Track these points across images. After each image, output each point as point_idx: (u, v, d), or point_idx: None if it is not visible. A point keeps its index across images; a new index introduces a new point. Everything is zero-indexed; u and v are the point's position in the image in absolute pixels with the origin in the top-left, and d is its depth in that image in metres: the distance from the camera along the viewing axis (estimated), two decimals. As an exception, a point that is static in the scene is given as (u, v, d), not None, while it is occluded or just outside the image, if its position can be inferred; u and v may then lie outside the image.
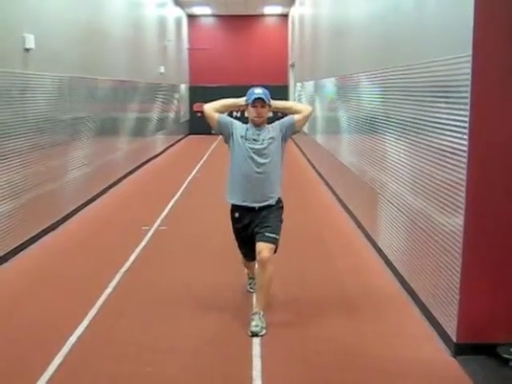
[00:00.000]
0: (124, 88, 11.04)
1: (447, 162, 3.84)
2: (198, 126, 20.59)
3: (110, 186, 9.72)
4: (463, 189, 3.57)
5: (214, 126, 4.33)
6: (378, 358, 3.72)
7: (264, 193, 4.22)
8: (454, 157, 3.71)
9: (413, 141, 4.65)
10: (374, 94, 6.19)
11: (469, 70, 3.47)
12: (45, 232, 6.64)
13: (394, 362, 3.69)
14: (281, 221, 4.28)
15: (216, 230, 6.54)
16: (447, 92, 3.85)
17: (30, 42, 6.27)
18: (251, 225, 4.23)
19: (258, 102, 4.19)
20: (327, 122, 10.31)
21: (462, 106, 3.59)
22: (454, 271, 3.71)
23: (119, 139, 10.83)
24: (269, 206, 4.22)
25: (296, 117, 4.32)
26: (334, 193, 9.04)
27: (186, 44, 20.49)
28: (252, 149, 4.20)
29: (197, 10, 19.90)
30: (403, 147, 4.96)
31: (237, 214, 4.31)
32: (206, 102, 4.41)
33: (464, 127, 3.55)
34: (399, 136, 5.10)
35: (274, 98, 4.33)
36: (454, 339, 3.71)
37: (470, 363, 3.60)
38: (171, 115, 17.17)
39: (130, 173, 11.38)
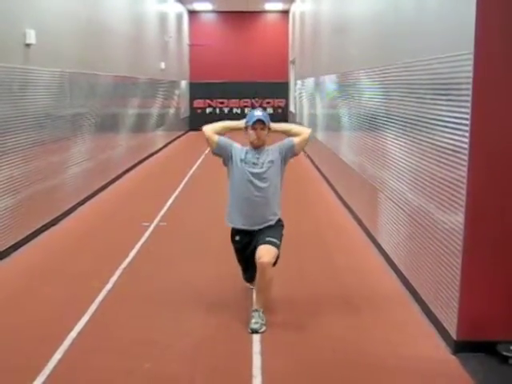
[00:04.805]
0: (124, 84, 11.03)
1: (448, 160, 3.84)
2: (198, 122, 20.52)
3: (110, 182, 9.72)
4: (464, 186, 3.57)
5: (213, 148, 4.34)
6: (378, 356, 3.72)
7: (264, 216, 4.22)
8: (455, 154, 3.71)
9: (414, 138, 4.65)
10: (375, 92, 6.18)
11: (470, 68, 3.46)
12: (45, 227, 6.64)
13: (394, 359, 3.69)
14: (281, 234, 4.27)
15: (216, 225, 6.52)
16: (448, 89, 3.85)
17: (31, 38, 6.26)
18: (251, 243, 4.22)
19: (258, 124, 4.20)
20: (328, 119, 10.30)
21: (463, 104, 3.59)
22: (455, 269, 3.71)
23: (119, 135, 10.82)
24: (268, 226, 4.23)
25: (295, 139, 4.32)
26: (334, 190, 9.04)
27: (186, 40, 20.47)
28: (251, 173, 4.20)
29: (198, 6, 19.87)
30: (404, 145, 4.96)
31: (237, 237, 4.32)
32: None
33: (465, 125, 3.55)
34: (400, 133, 5.09)
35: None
36: (454, 337, 3.72)
37: (470, 361, 3.61)
38: (171, 111, 17.15)
39: (130, 169, 11.37)
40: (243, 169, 4.22)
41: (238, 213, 4.27)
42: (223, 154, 4.32)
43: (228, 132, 4.45)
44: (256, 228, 4.21)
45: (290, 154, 4.32)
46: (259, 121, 4.20)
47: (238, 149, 4.30)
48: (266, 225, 4.21)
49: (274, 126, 4.37)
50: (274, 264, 4.13)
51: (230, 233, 4.37)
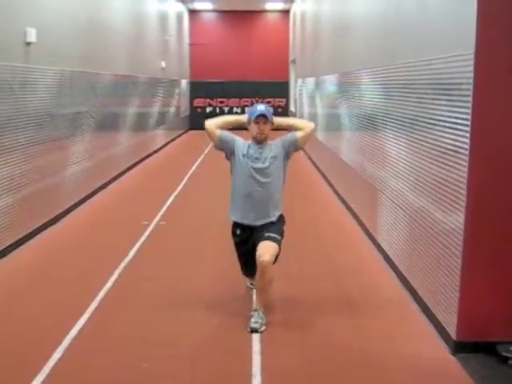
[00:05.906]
0: (125, 83, 11.02)
1: (448, 160, 3.84)
2: (199, 121, 20.54)
3: (111, 181, 9.71)
4: (464, 187, 3.57)
5: (215, 143, 4.31)
6: (378, 355, 3.72)
7: (265, 211, 4.19)
8: (456, 155, 3.71)
9: (414, 138, 4.64)
10: (376, 92, 6.18)
11: (471, 68, 3.46)
12: (45, 226, 6.63)
13: (394, 359, 3.69)
14: (282, 230, 4.25)
15: (216, 224, 6.53)
16: (449, 90, 3.85)
17: (32, 36, 6.25)
18: (251, 238, 4.21)
19: (261, 118, 4.17)
20: (328, 119, 10.30)
21: (463, 104, 3.58)
22: (454, 269, 3.71)
23: (120, 134, 10.82)
24: (270, 223, 4.21)
25: (298, 134, 4.29)
26: (334, 190, 9.03)
27: (187, 39, 20.46)
28: (254, 168, 4.17)
29: (198, 5, 19.86)
30: (404, 145, 4.95)
31: (238, 231, 4.30)
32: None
33: (466, 125, 3.55)
34: (400, 133, 5.09)
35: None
36: (454, 337, 3.71)
37: (470, 361, 3.61)
38: (172, 110, 17.15)
39: (131, 168, 11.37)
40: (246, 163, 4.19)
41: (239, 207, 4.24)
42: (225, 149, 4.29)
43: (230, 129, 4.41)
44: (257, 224, 4.19)
45: (292, 148, 4.30)
46: (262, 115, 4.17)
47: (241, 143, 4.27)
48: (268, 221, 4.19)
49: (277, 120, 4.36)
50: (275, 261, 4.12)
51: (231, 227, 4.35)
